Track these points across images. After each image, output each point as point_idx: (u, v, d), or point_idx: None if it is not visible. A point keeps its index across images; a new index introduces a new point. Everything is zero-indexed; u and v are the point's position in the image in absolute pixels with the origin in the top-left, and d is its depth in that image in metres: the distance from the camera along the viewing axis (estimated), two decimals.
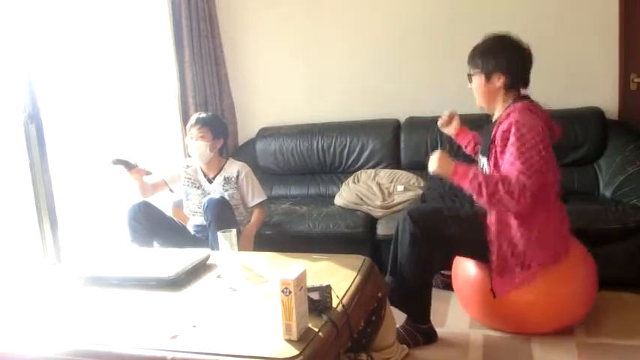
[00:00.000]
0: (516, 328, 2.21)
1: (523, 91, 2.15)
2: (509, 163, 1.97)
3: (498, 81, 2.09)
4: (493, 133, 2.08)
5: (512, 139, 1.97)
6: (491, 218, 2.08)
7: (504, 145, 2.00)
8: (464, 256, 2.28)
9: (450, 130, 2.53)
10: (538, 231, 2.04)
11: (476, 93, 2.17)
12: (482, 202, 1.99)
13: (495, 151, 2.06)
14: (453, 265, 2.42)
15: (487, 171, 2.13)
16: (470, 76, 2.17)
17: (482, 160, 2.20)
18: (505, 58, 2.07)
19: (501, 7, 3.31)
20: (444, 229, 2.10)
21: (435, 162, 2.06)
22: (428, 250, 2.10)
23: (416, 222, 2.10)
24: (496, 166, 2.06)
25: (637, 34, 3.11)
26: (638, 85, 3.16)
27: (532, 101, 2.10)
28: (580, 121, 3.02)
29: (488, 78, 2.10)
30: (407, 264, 2.13)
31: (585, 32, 3.20)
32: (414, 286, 2.15)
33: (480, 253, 2.13)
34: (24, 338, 1.56)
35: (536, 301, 2.10)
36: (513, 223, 2.05)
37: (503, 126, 2.01)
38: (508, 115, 2.04)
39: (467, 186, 1.99)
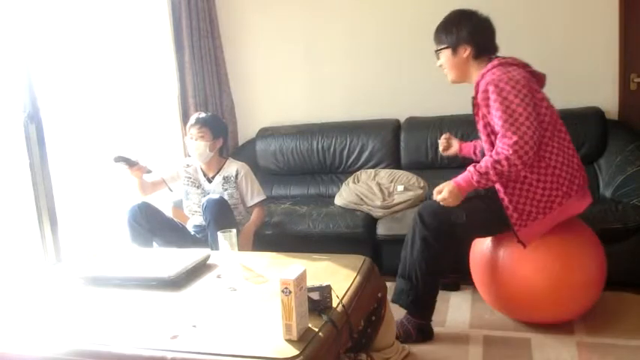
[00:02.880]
0: (523, 315, 2.24)
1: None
2: (498, 125, 1.99)
3: (465, 52, 2.15)
4: (474, 94, 2.12)
5: (492, 96, 2.00)
6: (499, 186, 2.09)
7: (487, 106, 2.04)
8: (483, 236, 2.28)
9: (453, 151, 2.58)
10: (550, 173, 2.06)
11: (446, 68, 2.23)
12: (501, 183, 2.04)
13: (482, 114, 2.09)
14: (472, 246, 2.41)
15: (481, 136, 2.16)
16: (437, 52, 2.23)
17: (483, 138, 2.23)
18: (466, 29, 2.14)
19: (501, 7, 3.29)
20: (455, 223, 2.10)
21: (448, 199, 2.06)
22: (439, 252, 2.11)
23: (426, 224, 2.11)
24: (487, 126, 2.10)
25: (637, 34, 3.11)
26: (638, 85, 3.16)
27: (504, 57, 2.13)
28: (580, 121, 3.02)
29: (454, 51, 2.17)
30: (418, 265, 2.13)
31: (585, 32, 3.20)
32: (423, 287, 2.15)
33: (496, 227, 2.14)
34: (24, 338, 1.56)
35: (548, 285, 2.10)
36: (525, 174, 2.06)
37: (482, 86, 2.06)
38: (483, 75, 2.08)
39: (480, 187, 2.05)
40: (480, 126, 2.14)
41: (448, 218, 2.10)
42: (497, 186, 2.09)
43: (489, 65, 2.09)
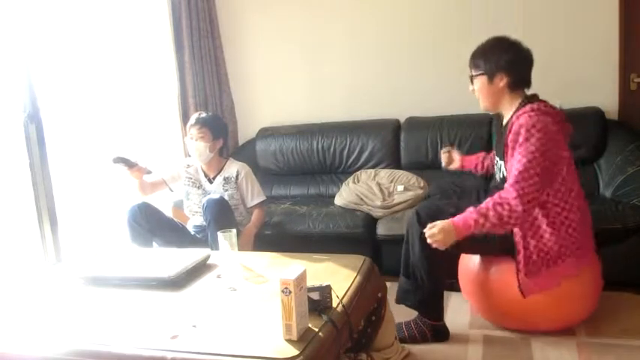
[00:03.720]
0: (520, 326, 2.22)
1: (527, 92, 2.15)
2: (515, 170, 1.97)
3: (501, 81, 2.09)
4: (505, 136, 2.08)
5: (521, 139, 1.98)
6: (516, 230, 2.07)
7: (514, 148, 2.01)
8: (474, 253, 2.26)
9: (456, 164, 2.56)
10: (564, 229, 2.04)
11: (479, 95, 2.17)
12: (500, 231, 2.01)
13: (508, 153, 2.06)
14: (460, 260, 2.40)
15: (504, 173, 2.13)
16: (472, 77, 2.16)
17: (500, 163, 2.20)
18: (506, 58, 2.07)
19: (501, 7, 3.31)
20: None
21: (437, 235, 1.98)
22: (439, 250, 2.07)
23: (423, 223, 2.08)
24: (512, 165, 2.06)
25: (637, 34, 3.11)
26: (638, 85, 3.16)
27: (541, 101, 2.09)
28: (580, 121, 3.00)
29: (490, 79, 2.10)
30: (420, 264, 2.12)
31: (585, 32, 3.20)
32: (428, 286, 2.14)
33: (494, 253, 2.13)
34: (24, 338, 1.56)
35: (543, 299, 2.09)
36: (542, 221, 2.05)
37: (515, 127, 2.02)
38: (518, 117, 2.04)
39: (476, 229, 1.97)
40: (508, 165, 2.08)
41: (445, 217, 2.08)
42: (515, 230, 2.06)
43: (527, 107, 2.03)
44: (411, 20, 3.49)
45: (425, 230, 2.01)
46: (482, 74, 2.12)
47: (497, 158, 2.26)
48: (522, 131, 1.97)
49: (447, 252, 2.07)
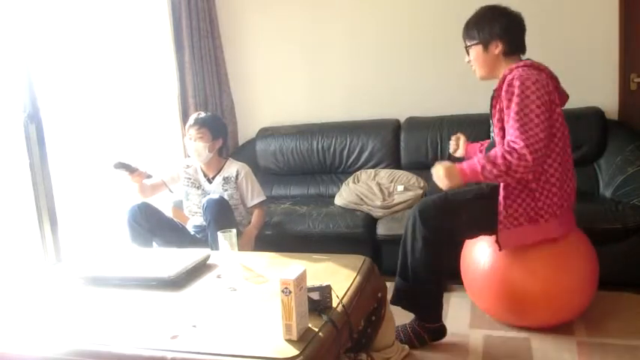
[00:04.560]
0: (518, 320, 2.23)
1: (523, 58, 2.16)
2: (509, 124, 1.96)
3: (496, 49, 2.12)
4: (498, 86, 2.08)
5: (516, 91, 1.96)
6: (501, 185, 2.06)
7: (509, 100, 1.99)
8: (475, 236, 2.24)
9: (461, 151, 2.52)
10: (548, 189, 2.04)
11: (475, 64, 2.18)
12: (504, 181, 2.00)
13: (500, 106, 2.05)
14: (462, 251, 2.40)
15: (493, 130, 2.13)
16: (467, 48, 2.19)
17: (494, 129, 2.19)
18: (499, 25, 2.11)
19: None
20: (455, 221, 2.09)
21: (442, 178, 2.01)
22: (440, 250, 2.09)
23: (427, 224, 2.06)
24: (500, 120, 2.06)
25: (637, 34, 3.11)
26: (638, 85, 3.16)
27: (536, 62, 2.10)
28: (580, 121, 3.02)
29: (485, 47, 2.13)
30: (421, 266, 2.09)
31: (585, 32, 3.20)
32: (428, 288, 2.12)
33: (491, 226, 2.11)
34: (24, 338, 1.56)
35: (540, 289, 2.10)
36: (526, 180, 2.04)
37: (507, 79, 2.01)
38: (511, 70, 2.04)
39: (482, 179, 1.98)
40: (495, 119, 2.10)
41: (447, 216, 2.08)
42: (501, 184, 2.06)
43: (520, 62, 2.06)
44: (411, 20, 3.49)
45: (432, 171, 2.03)
46: (477, 44, 2.15)
47: (491, 122, 2.22)
48: (516, 83, 1.96)
49: (449, 249, 2.06)
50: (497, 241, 2.08)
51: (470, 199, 2.14)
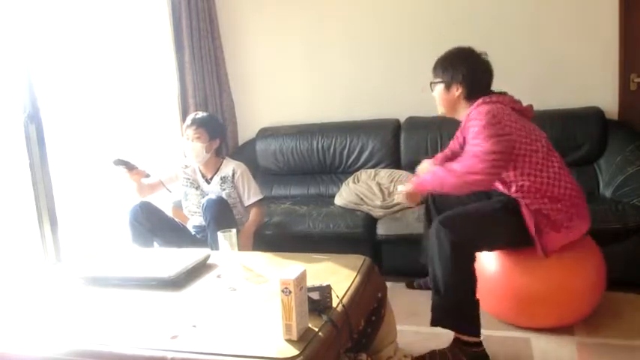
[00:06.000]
0: (523, 321, 2.23)
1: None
2: (472, 144, 2.03)
3: (457, 91, 2.19)
4: (460, 133, 2.19)
5: (472, 129, 2.03)
6: (523, 209, 2.06)
7: (473, 127, 2.05)
8: (506, 248, 2.20)
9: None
10: (559, 200, 2.06)
11: (437, 100, 2.28)
12: (455, 187, 2.06)
13: (464, 135, 2.14)
14: None
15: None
16: (432, 84, 2.27)
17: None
18: (462, 71, 2.16)
19: (501, 8, 3.31)
20: (476, 229, 2.05)
21: (405, 199, 2.25)
22: (470, 256, 2.00)
23: (451, 228, 1.98)
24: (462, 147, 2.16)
25: (637, 34, 3.11)
26: (638, 85, 3.16)
27: (489, 97, 2.13)
28: (580, 121, 3.02)
29: (447, 88, 2.21)
30: (452, 277, 1.97)
31: (585, 32, 3.20)
32: (463, 299, 1.99)
33: (518, 240, 2.10)
34: (24, 338, 1.56)
35: (547, 292, 2.10)
36: (545, 199, 2.06)
37: (472, 115, 2.08)
38: (468, 115, 2.12)
39: (431, 186, 2.13)
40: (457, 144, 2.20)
41: (469, 222, 2.06)
42: (522, 201, 2.06)
43: (474, 104, 2.11)
44: (411, 20, 3.49)
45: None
46: (440, 82, 2.23)
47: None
48: (474, 122, 2.03)
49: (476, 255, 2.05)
50: (542, 249, 2.06)
51: (492, 209, 2.13)
